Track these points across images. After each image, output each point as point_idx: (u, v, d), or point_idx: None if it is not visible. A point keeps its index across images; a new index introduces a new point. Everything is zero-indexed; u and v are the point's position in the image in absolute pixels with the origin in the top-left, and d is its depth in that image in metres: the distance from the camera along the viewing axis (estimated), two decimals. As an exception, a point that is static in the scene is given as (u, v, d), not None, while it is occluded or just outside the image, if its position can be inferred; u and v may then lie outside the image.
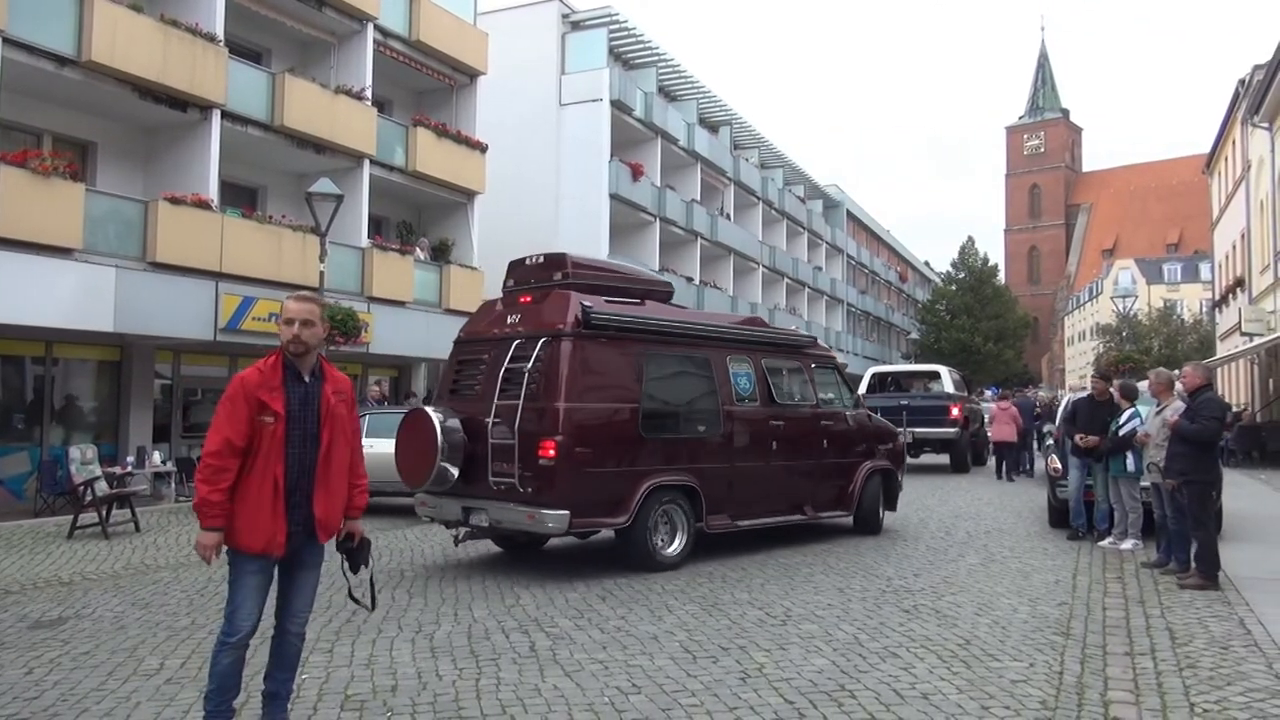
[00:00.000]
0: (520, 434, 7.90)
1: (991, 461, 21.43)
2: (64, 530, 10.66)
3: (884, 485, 11.08)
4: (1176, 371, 9.50)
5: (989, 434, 21.52)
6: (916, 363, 48.57)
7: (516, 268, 9.37)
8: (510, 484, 7.98)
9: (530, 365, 8.03)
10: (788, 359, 10.51)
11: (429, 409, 8.52)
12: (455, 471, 8.25)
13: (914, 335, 63.43)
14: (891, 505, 11.34)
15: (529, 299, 8.72)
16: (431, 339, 20.33)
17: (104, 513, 10.60)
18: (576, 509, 7.90)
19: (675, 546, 8.61)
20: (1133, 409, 9.35)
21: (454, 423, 8.30)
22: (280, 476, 3.91)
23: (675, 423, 8.97)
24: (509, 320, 8.74)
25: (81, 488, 10.72)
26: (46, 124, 15.13)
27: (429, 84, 22.02)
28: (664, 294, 10.02)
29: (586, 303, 8.34)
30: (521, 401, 7.97)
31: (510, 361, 8.24)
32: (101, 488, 10.99)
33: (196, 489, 3.91)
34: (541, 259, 9.22)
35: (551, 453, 7.79)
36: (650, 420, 8.58)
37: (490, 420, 8.14)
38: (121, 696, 4.78)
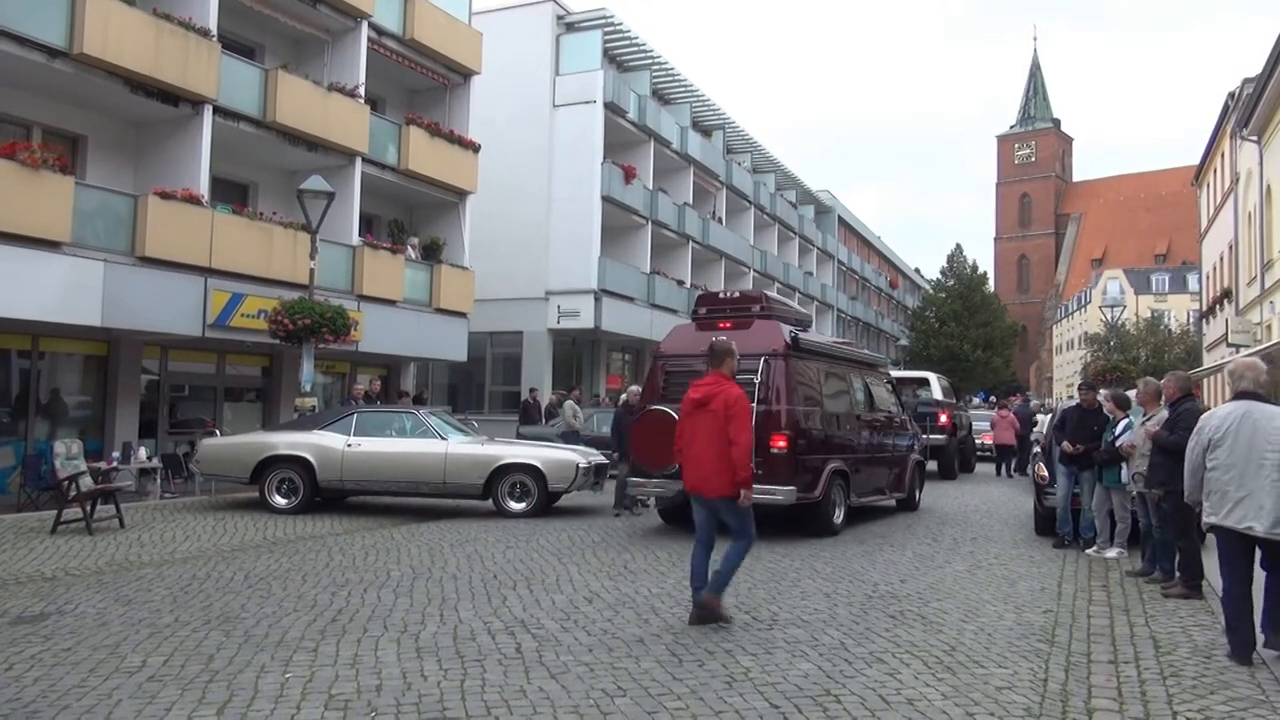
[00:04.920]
0: (755, 430, 9.37)
1: (979, 465, 23.37)
2: (47, 525, 10.59)
3: (919, 472, 14.13)
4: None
5: (982, 438, 23.70)
6: (905, 369, 48.66)
7: (710, 299, 12.06)
8: None
9: (758, 377, 10.15)
10: (873, 374, 13.47)
11: (666, 409, 9.66)
12: None
13: (903, 342, 63.58)
14: (921, 487, 14.25)
15: (729, 325, 10.82)
16: (422, 338, 20.31)
17: (88, 508, 10.52)
18: (799, 487, 10.13)
19: (839, 517, 11.04)
20: (1126, 419, 9.36)
21: None
22: None
23: (836, 421, 11.41)
24: None
25: (66, 483, 10.62)
26: (36, 116, 15.04)
27: (422, 83, 21.97)
28: (809, 324, 12.78)
29: (793, 330, 10.83)
30: (755, 404, 9.76)
31: None
32: (86, 483, 10.89)
33: (750, 468, 6.20)
34: (738, 294, 11.98)
35: (782, 444, 10.11)
36: (827, 419, 11.14)
37: None
38: (103, 694, 4.75)
